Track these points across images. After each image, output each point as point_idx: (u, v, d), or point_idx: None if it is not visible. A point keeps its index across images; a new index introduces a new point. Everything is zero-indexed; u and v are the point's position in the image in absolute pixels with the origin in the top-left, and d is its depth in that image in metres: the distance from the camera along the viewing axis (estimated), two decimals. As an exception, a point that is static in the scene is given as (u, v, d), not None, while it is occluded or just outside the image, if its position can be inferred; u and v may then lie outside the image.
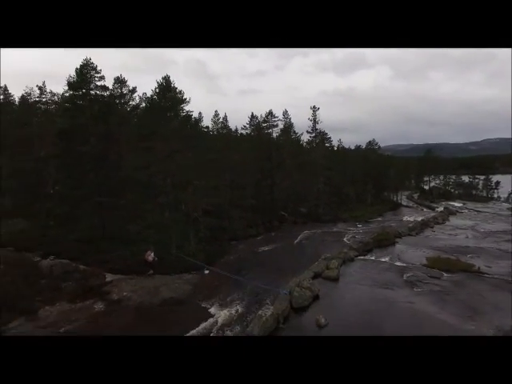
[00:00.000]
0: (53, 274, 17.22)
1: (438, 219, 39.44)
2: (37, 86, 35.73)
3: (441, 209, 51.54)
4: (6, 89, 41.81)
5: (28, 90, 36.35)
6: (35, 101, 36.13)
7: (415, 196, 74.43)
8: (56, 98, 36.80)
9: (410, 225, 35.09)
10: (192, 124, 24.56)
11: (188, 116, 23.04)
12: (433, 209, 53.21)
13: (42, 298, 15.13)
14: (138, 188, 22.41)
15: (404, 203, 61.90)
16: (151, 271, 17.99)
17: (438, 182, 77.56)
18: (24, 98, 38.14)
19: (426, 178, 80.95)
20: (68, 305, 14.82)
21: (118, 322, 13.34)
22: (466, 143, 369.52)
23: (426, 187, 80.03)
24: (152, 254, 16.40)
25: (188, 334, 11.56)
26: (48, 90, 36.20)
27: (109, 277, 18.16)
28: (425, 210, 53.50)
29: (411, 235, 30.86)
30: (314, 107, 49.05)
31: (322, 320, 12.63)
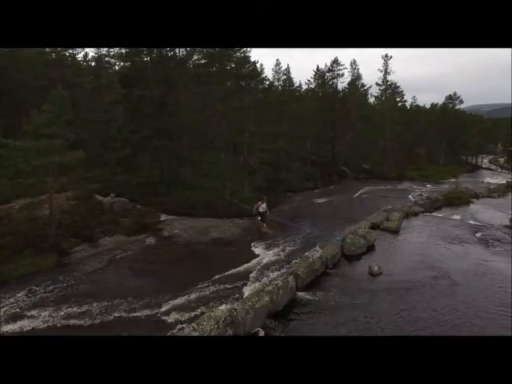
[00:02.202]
0: (113, 210, 18.28)
1: (528, 182, 34.04)
2: (105, 39, 36.86)
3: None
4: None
5: (97, 44, 37.83)
6: (104, 54, 37.61)
7: (501, 160, 65.34)
8: (123, 50, 37.96)
9: (492, 187, 30.86)
10: (251, 67, 23.29)
11: (244, 57, 21.89)
12: (522, 173, 46.22)
13: (102, 229, 16.22)
14: (194, 132, 22.41)
15: (485, 167, 54.75)
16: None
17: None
18: (98, 54, 39.75)
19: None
20: (124, 237, 15.69)
21: (165, 254, 13.77)
22: None
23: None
24: (263, 205, 15.56)
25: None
26: (115, 43, 37.32)
27: (163, 217, 18.87)
28: None
29: (492, 197, 27.08)
30: (386, 56, 44.36)
31: (376, 268, 11.52)
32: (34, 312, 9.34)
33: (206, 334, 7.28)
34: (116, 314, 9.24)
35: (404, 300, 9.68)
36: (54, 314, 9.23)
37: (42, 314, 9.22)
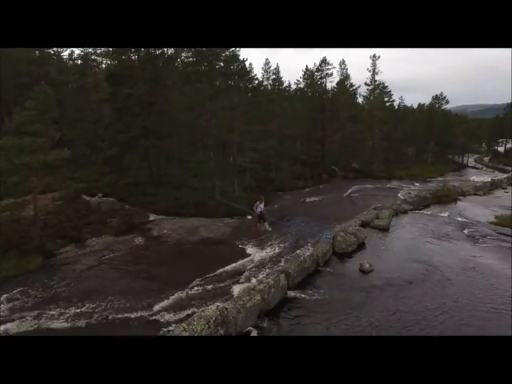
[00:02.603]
0: (100, 210, 17.92)
1: (512, 180, 34.77)
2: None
3: (518, 171, 45.42)
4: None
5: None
6: (90, 52, 36.90)
7: (486, 159, 66.49)
8: (110, 48, 37.26)
9: (477, 185, 31.35)
10: (240, 65, 23.10)
11: (233, 56, 21.73)
12: (507, 172, 47.04)
13: (90, 229, 15.86)
14: (183, 130, 22.12)
15: (471, 166, 55.72)
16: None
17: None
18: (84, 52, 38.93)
19: (501, 140, 71.23)
20: (112, 237, 15.38)
21: (155, 254, 13.54)
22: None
23: (501, 149, 70.55)
24: (261, 205, 15.28)
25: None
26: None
27: (152, 217, 18.59)
28: (496, 172, 47.65)
29: (477, 195, 27.51)
30: (374, 56, 44.65)
31: (367, 265, 11.52)
32: (14, 316, 9.02)
33: (196, 334, 7.14)
34: (106, 316, 9.00)
35: (397, 298, 9.68)
36: (37, 317, 8.93)
37: (26, 318, 8.92)
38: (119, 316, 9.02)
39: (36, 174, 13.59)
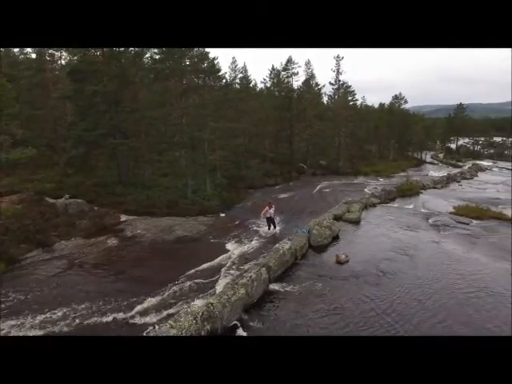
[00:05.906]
0: (68, 212, 17.11)
1: (465, 174, 37.41)
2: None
3: (468, 166, 48.84)
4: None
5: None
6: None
7: (440, 156, 70.78)
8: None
9: (436, 179, 33.39)
10: (209, 63, 22.89)
11: (203, 54, 21.55)
12: (459, 167, 50.39)
13: (57, 232, 15.09)
14: (152, 128, 21.62)
15: (428, 161, 59.19)
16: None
17: (466, 141, 72.92)
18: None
19: (452, 138, 76.12)
20: (82, 240, 14.74)
21: (130, 255, 13.17)
22: (502, 103, 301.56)
23: (453, 146, 75.50)
24: (270, 211, 14.90)
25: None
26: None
27: (123, 217, 17.99)
28: (450, 167, 50.91)
29: (436, 188, 29.39)
30: (338, 56, 45.92)
31: (343, 257, 11.96)
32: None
33: (184, 331, 7.08)
34: (82, 321, 8.64)
35: (373, 283, 10.16)
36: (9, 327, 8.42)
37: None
38: (97, 320, 8.68)
39: (-3, 175, 12.77)
